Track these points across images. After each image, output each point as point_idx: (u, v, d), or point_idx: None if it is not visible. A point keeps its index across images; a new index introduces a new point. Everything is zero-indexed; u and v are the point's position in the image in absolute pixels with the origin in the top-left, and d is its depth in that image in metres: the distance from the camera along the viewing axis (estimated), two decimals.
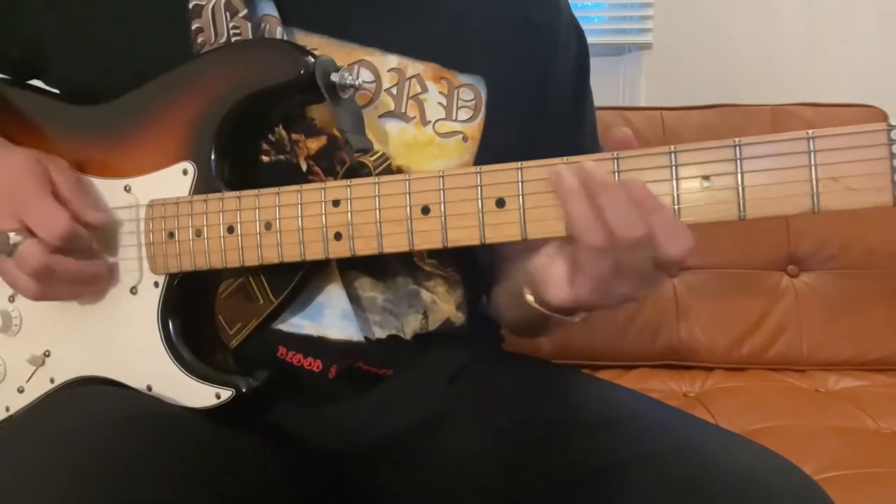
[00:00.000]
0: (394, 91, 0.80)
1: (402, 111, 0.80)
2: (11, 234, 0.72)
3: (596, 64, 0.93)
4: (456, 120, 0.81)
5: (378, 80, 0.79)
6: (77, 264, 0.75)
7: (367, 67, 0.79)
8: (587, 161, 0.61)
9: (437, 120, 0.80)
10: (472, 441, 0.77)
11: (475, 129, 0.81)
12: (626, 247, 0.60)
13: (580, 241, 0.62)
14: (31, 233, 0.73)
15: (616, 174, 0.60)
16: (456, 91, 0.81)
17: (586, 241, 0.61)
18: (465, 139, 0.81)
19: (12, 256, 0.73)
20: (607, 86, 2.03)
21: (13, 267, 0.74)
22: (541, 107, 0.85)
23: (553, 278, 0.66)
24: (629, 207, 0.59)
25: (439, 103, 0.80)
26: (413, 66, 0.80)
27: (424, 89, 0.80)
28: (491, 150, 0.80)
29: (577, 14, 0.93)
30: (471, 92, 0.81)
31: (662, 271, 0.63)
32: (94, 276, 0.77)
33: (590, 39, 0.93)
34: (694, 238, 0.60)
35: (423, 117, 0.80)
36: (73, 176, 0.77)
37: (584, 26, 0.92)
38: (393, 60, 0.80)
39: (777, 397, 1.43)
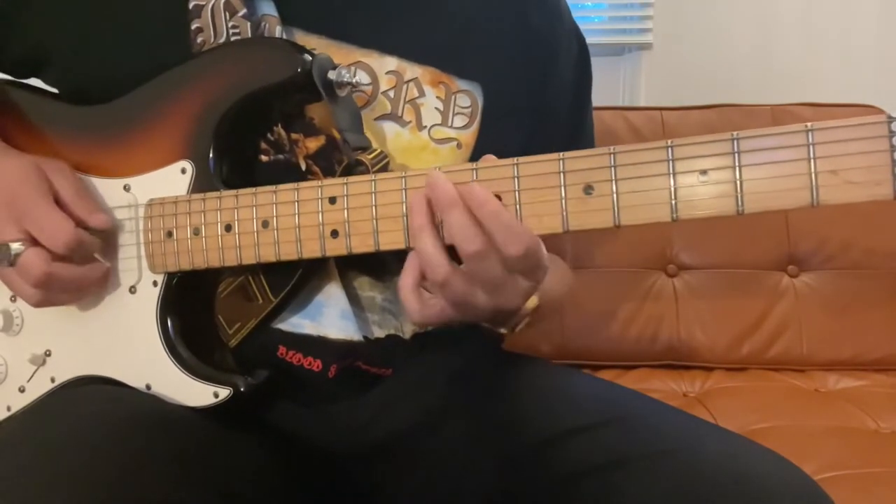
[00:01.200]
0: (391, 94, 0.79)
1: (399, 115, 0.80)
2: (13, 245, 0.72)
3: (596, 64, 0.93)
4: (451, 126, 0.81)
5: (375, 81, 0.79)
6: (79, 270, 0.74)
7: (364, 69, 0.79)
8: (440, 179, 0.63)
9: (433, 125, 0.80)
10: (471, 440, 0.77)
11: (470, 136, 0.81)
12: (469, 259, 0.62)
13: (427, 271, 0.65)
14: (33, 241, 0.73)
15: (613, 169, 0.60)
16: (453, 96, 0.81)
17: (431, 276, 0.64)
18: (459, 146, 0.81)
19: (14, 266, 0.73)
20: (607, 86, 2.03)
21: (15, 276, 0.74)
22: (539, 115, 0.85)
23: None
24: (469, 223, 0.62)
25: (436, 108, 0.80)
26: (411, 70, 0.80)
27: (422, 93, 0.80)
28: None
29: (576, 14, 0.93)
30: (467, 98, 0.81)
31: (519, 276, 0.64)
32: (96, 281, 0.76)
33: (590, 39, 0.93)
34: (532, 238, 0.62)
35: (419, 122, 0.80)
36: (74, 179, 0.77)
37: (584, 26, 0.92)
38: (391, 63, 0.80)
39: (777, 397, 1.42)
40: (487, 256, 0.62)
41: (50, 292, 0.74)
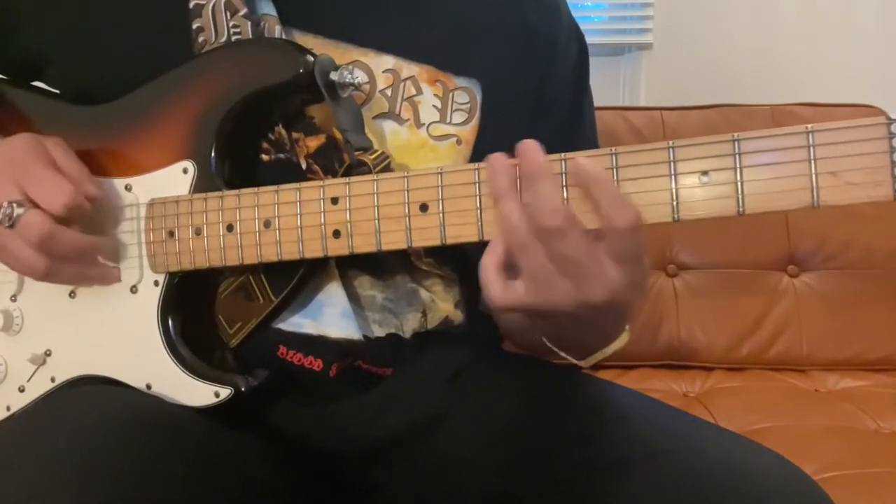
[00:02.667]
0: (388, 92, 0.79)
1: (397, 113, 0.80)
2: (14, 205, 0.71)
3: (596, 64, 0.92)
4: (450, 123, 0.80)
5: (373, 80, 0.79)
6: (80, 236, 0.73)
7: (361, 68, 0.79)
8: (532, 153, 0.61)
9: (431, 122, 0.80)
10: (471, 440, 0.77)
11: (469, 132, 0.81)
12: (549, 236, 0.59)
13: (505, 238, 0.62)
14: (33, 203, 0.72)
15: (614, 170, 0.60)
16: (451, 94, 0.81)
17: (507, 239, 0.61)
18: (458, 142, 0.80)
19: (14, 227, 0.71)
20: (607, 86, 2.03)
21: (16, 238, 0.72)
22: (537, 111, 0.85)
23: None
24: (557, 195, 0.59)
25: (434, 106, 0.80)
26: (408, 68, 0.80)
27: (419, 91, 0.80)
28: (485, 153, 0.79)
29: (577, 14, 0.93)
30: (466, 95, 0.81)
31: (609, 260, 0.60)
32: (95, 249, 0.76)
33: (590, 39, 0.93)
34: (638, 211, 0.59)
35: (416, 119, 0.80)
36: (69, 151, 0.77)
37: (584, 26, 0.92)
38: (388, 61, 0.80)
39: (777, 397, 1.43)
40: (573, 229, 0.59)
41: (53, 260, 0.73)
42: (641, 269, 0.61)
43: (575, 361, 0.74)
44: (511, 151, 0.65)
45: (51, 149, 0.75)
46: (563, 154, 0.62)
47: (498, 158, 0.63)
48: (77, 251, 0.74)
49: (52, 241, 0.71)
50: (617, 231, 0.58)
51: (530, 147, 0.61)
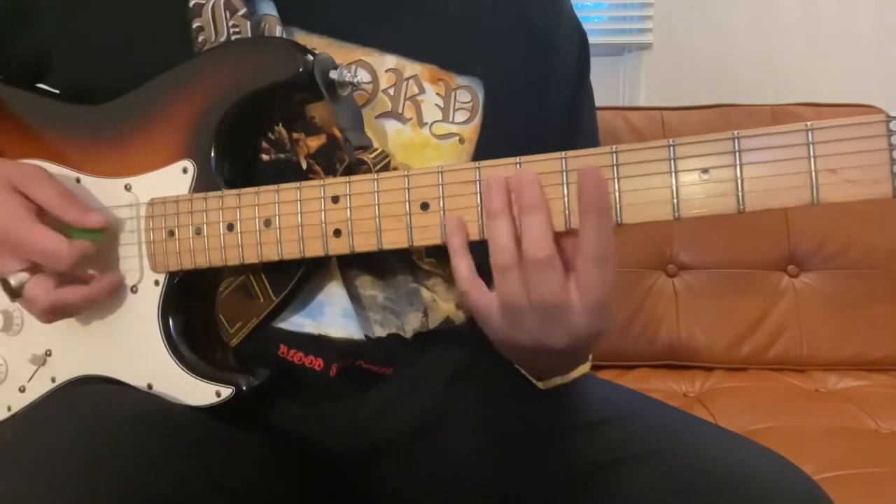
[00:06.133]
0: (391, 91, 0.80)
1: (399, 112, 0.80)
2: (12, 278, 0.72)
3: (596, 64, 0.92)
4: (453, 122, 0.81)
5: (375, 80, 0.79)
6: (84, 291, 0.74)
7: (364, 67, 0.79)
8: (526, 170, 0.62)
9: (434, 122, 0.80)
10: (472, 440, 0.77)
11: (472, 131, 0.81)
12: (532, 266, 0.61)
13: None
14: (35, 267, 0.73)
15: (615, 167, 0.60)
16: (453, 93, 0.81)
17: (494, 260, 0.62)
18: (461, 141, 0.81)
19: (20, 298, 0.73)
20: (607, 86, 2.04)
21: (26, 304, 0.74)
22: (538, 110, 0.85)
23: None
24: (547, 230, 0.61)
25: (436, 105, 0.80)
26: (411, 67, 0.80)
27: (422, 90, 0.80)
28: (487, 152, 0.79)
29: (576, 14, 0.93)
30: (468, 94, 0.81)
31: (579, 306, 0.61)
32: (106, 293, 0.76)
33: (590, 39, 0.92)
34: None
35: (419, 118, 0.80)
36: (53, 184, 0.75)
37: (584, 26, 0.92)
38: (391, 61, 0.80)
39: (777, 397, 1.43)
40: (554, 266, 0.61)
41: (66, 314, 0.76)
42: (606, 317, 0.64)
43: (533, 381, 0.76)
44: (512, 151, 0.65)
45: (30, 191, 0.74)
46: (563, 153, 0.62)
47: (495, 179, 0.63)
48: (83, 305, 0.75)
49: (57, 308, 0.74)
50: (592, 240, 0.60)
51: (529, 179, 0.62)
